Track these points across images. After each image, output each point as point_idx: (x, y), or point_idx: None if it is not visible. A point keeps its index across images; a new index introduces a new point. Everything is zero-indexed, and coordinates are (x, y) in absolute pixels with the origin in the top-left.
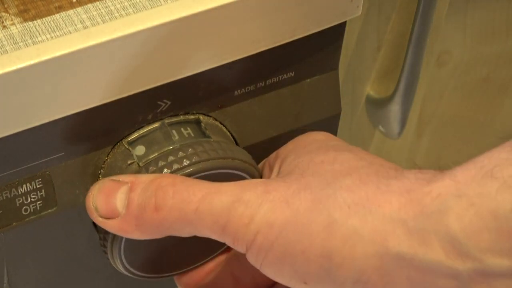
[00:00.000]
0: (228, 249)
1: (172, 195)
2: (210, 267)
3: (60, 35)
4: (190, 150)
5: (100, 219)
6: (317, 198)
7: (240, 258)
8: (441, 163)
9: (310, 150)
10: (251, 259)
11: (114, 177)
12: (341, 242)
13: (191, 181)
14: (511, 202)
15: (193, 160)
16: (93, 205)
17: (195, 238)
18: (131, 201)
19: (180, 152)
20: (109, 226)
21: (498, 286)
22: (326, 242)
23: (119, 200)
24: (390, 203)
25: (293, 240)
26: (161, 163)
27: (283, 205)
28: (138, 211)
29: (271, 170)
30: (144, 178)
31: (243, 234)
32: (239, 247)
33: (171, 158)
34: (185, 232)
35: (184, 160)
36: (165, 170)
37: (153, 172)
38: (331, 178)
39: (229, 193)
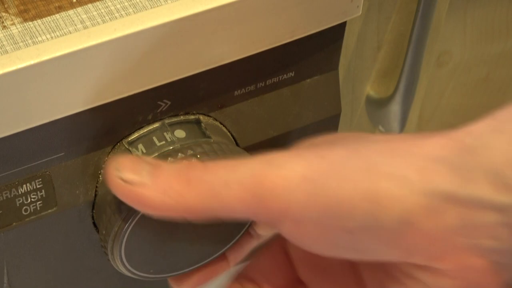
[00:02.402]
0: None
1: (203, 168)
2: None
3: (60, 35)
4: (189, 151)
5: (122, 183)
6: (352, 148)
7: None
8: None
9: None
10: (289, 223)
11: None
12: (385, 184)
13: (219, 160)
14: None
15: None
16: (116, 169)
17: (197, 238)
18: (161, 171)
19: (180, 154)
20: (131, 192)
21: None
22: (370, 185)
23: (146, 169)
24: (431, 145)
25: (335, 189)
26: None
27: (318, 159)
28: (167, 181)
29: None
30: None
31: (278, 194)
32: (272, 214)
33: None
34: (211, 209)
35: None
36: None
37: None
38: (361, 139)
39: (257, 161)
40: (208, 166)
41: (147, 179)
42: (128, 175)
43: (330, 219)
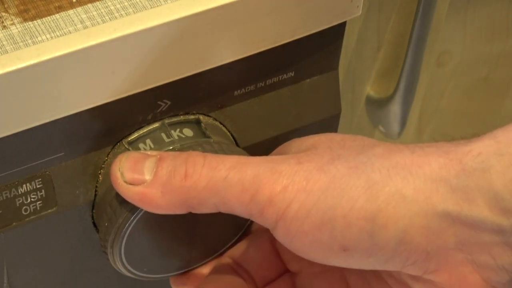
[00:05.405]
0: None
1: (203, 163)
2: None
3: (60, 35)
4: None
5: (125, 184)
6: (353, 165)
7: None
8: None
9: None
10: (282, 230)
11: (142, 151)
12: (384, 203)
13: (221, 154)
14: None
15: None
16: (119, 170)
17: (196, 238)
18: (160, 168)
19: None
20: (133, 192)
21: None
22: (368, 204)
23: (147, 167)
24: (430, 165)
25: (332, 205)
26: None
27: (319, 172)
28: (166, 177)
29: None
30: (174, 152)
31: (275, 202)
32: (267, 218)
33: None
34: (210, 204)
35: None
36: None
37: None
38: (361, 149)
39: (260, 164)
40: (209, 160)
41: (148, 176)
42: (130, 176)
43: (323, 234)
